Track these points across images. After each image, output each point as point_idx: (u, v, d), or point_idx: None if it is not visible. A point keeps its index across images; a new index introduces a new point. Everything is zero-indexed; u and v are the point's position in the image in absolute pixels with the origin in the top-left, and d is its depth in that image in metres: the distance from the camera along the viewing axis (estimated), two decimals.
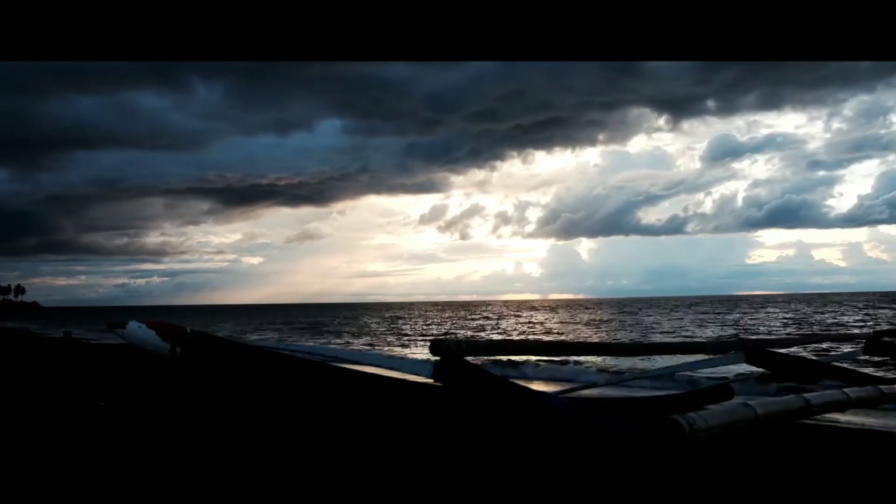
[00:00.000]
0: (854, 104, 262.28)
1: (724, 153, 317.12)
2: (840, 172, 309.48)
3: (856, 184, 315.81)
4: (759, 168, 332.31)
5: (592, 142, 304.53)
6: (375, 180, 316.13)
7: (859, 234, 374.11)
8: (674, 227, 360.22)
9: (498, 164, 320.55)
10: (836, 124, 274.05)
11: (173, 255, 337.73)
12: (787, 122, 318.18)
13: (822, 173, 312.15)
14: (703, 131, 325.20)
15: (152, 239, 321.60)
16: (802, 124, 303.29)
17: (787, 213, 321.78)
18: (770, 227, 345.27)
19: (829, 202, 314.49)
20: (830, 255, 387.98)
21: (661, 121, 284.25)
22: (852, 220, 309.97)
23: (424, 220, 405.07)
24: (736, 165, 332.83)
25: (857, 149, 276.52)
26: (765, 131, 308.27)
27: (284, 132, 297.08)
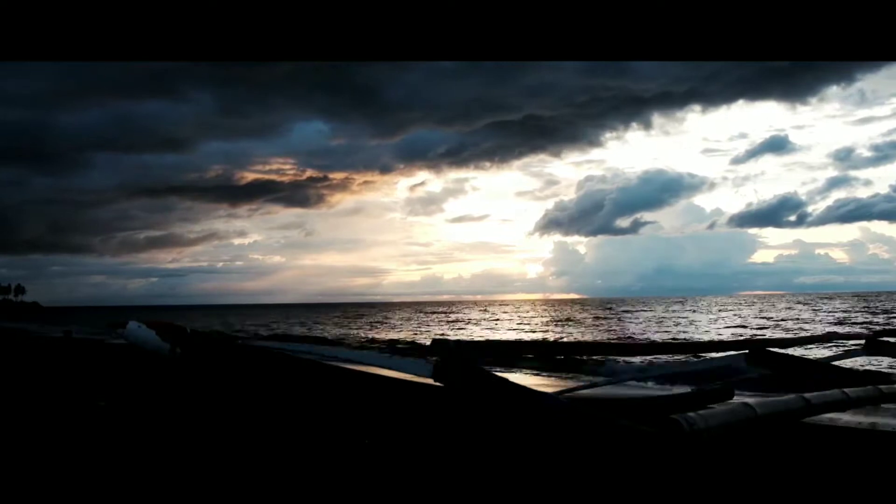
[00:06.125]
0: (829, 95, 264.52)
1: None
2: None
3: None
4: (739, 168, 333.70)
5: (574, 140, 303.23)
6: (363, 180, 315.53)
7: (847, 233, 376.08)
8: (635, 227, 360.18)
9: (484, 163, 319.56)
10: (812, 113, 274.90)
11: (171, 255, 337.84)
12: (768, 119, 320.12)
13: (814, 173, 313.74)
14: (684, 129, 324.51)
15: (151, 239, 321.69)
16: (787, 119, 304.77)
17: (767, 214, 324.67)
18: (750, 226, 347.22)
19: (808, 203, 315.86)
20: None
21: (640, 119, 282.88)
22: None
23: (418, 218, 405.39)
24: (719, 165, 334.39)
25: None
26: (742, 129, 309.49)
27: (273, 133, 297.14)
